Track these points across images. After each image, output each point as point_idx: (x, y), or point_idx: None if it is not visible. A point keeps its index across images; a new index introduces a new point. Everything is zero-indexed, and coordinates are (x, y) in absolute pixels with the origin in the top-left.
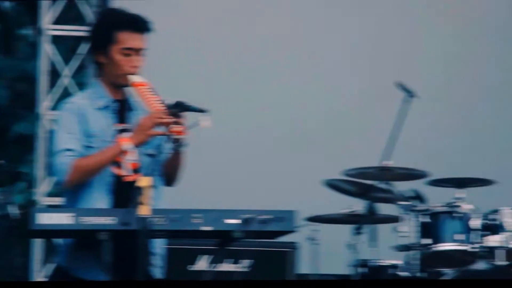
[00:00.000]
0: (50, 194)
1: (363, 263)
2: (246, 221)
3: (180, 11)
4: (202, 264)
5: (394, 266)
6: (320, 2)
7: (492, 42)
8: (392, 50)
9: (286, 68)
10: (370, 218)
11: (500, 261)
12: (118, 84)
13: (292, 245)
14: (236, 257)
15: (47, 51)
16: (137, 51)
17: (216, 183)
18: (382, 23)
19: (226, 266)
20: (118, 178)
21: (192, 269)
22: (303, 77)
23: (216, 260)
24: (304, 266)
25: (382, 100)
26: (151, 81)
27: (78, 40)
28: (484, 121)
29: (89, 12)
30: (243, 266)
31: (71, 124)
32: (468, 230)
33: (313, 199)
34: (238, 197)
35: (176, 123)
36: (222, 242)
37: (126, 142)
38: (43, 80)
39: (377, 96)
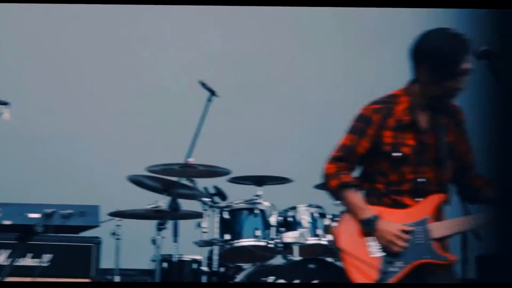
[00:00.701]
0: None
1: (166, 258)
2: (48, 215)
3: None
4: (1, 258)
5: (195, 261)
6: None
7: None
8: (197, 50)
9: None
10: (173, 214)
11: (296, 256)
12: None
13: (95, 240)
14: (37, 252)
15: None
16: None
17: (18, 177)
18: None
19: (27, 261)
20: None
21: None
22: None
23: (16, 255)
24: (107, 261)
25: (186, 98)
26: None
27: None
28: (280, 122)
29: None
30: (44, 260)
31: None
32: (267, 226)
33: (117, 194)
34: (40, 192)
35: None
36: (23, 236)
37: None
38: None
39: (182, 95)
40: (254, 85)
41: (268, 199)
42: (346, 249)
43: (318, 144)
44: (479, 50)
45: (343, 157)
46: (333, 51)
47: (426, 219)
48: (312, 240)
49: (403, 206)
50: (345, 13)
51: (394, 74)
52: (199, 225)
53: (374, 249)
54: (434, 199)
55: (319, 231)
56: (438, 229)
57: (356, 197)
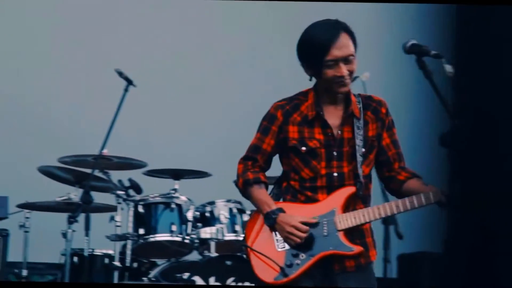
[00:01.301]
0: None
1: (76, 252)
2: None
3: None
4: None
5: (107, 256)
6: None
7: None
8: (115, 38)
9: None
10: (85, 206)
11: (212, 252)
12: None
13: (2, 232)
14: None
15: None
16: None
17: None
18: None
19: None
20: None
21: None
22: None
23: None
24: (15, 254)
25: (102, 87)
26: None
27: None
28: (199, 115)
29: None
30: None
31: None
32: (183, 221)
33: (26, 185)
34: None
35: None
36: None
37: None
38: None
39: (98, 83)
40: (173, 76)
41: (185, 193)
42: (252, 245)
43: (238, 138)
44: (407, 45)
45: (250, 156)
46: (259, 44)
47: (333, 211)
48: (230, 236)
49: (316, 201)
50: (273, 6)
51: None
52: (112, 218)
53: (280, 243)
54: (343, 192)
55: (238, 227)
56: (344, 220)
57: (261, 193)
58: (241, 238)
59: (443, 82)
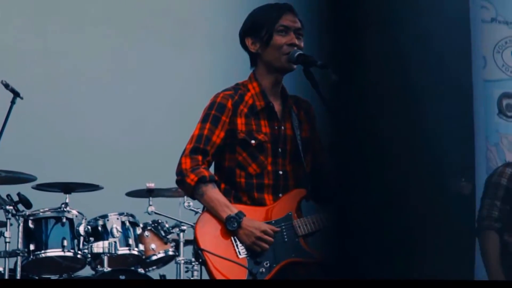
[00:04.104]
0: None
1: None
2: None
3: None
4: None
5: None
6: None
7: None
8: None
9: None
10: None
11: (105, 267)
12: None
13: None
14: None
15: None
16: None
17: None
18: None
19: None
20: None
21: None
22: None
23: None
24: None
25: None
26: None
27: None
28: (90, 126)
29: None
30: None
31: None
32: (75, 236)
33: None
34: None
35: None
36: None
37: None
38: None
39: None
40: (61, 87)
41: (76, 207)
42: (211, 250)
43: (128, 150)
44: (294, 55)
45: (200, 149)
46: (186, 46)
47: (290, 216)
48: (123, 250)
49: (264, 202)
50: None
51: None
52: (1, 234)
53: (242, 249)
54: (296, 194)
55: (131, 241)
56: (303, 225)
57: (217, 193)
58: (135, 252)
59: (330, 91)
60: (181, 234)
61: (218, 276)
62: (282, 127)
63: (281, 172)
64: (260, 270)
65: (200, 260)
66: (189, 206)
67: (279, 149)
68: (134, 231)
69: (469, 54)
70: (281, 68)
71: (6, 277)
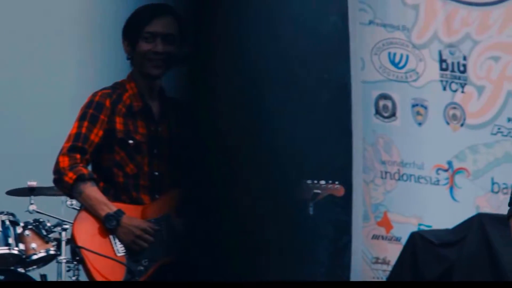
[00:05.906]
0: None
1: None
2: None
3: None
4: None
5: None
6: None
7: None
8: None
9: None
10: None
11: None
12: None
13: None
14: None
15: None
16: None
17: None
18: None
19: None
20: None
21: None
22: None
23: None
24: None
25: None
26: None
27: None
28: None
29: None
30: None
31: None
32: None
33: None
34: None
35: None
36: None
37: None
38: None
39: None
40: None
41: None
42: (89, 248)
43: (14, 146)
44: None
45: (78, 148)
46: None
47: (169, 216)
48: (2, 250)
49: (142, 202)
50: None
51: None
52: None
53: (120, 248)
54: (173, 195)
55: (11, 240)
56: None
57: (96, 191)
58: (15, 252)
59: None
60: (63, 233)
61: (96, 274)
62: (159, 129)
63: (157, 173)
64: (139, 268)
65: (78, 258)
66: (71, 204)
67: (155, 150)
68: (14, 230)
69: (348, 55)
70: (147, 75)
71: None
